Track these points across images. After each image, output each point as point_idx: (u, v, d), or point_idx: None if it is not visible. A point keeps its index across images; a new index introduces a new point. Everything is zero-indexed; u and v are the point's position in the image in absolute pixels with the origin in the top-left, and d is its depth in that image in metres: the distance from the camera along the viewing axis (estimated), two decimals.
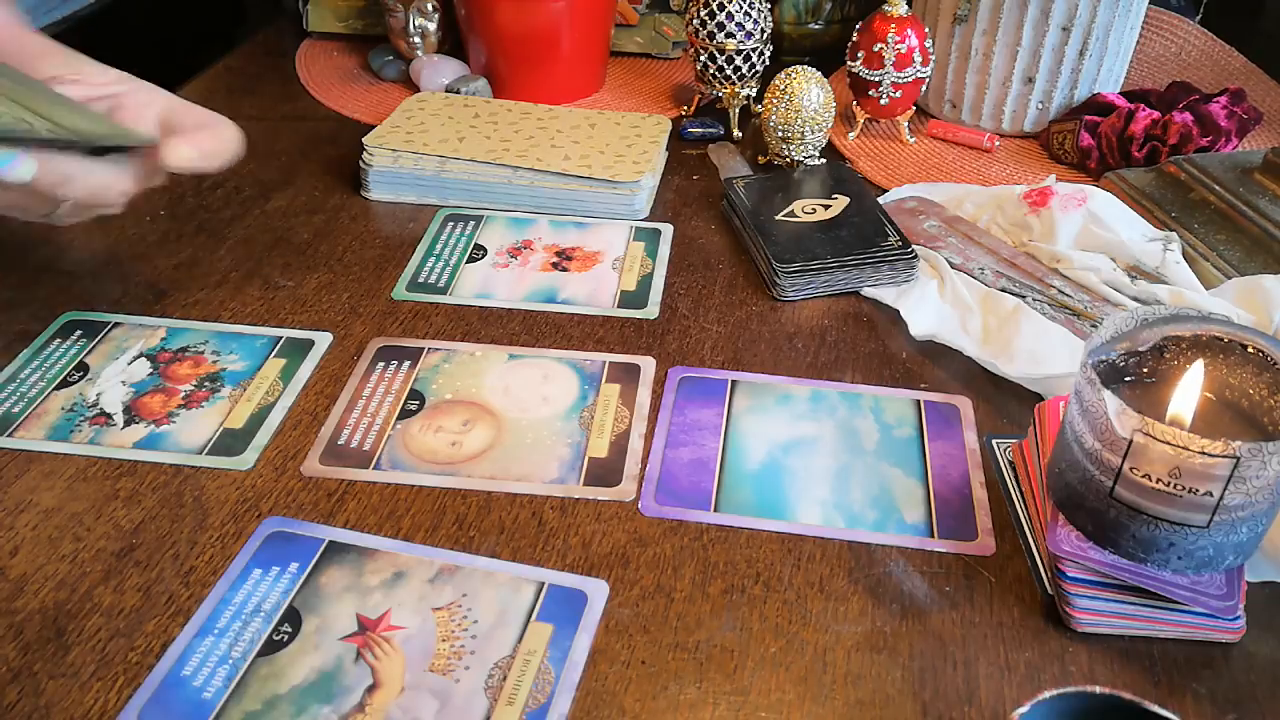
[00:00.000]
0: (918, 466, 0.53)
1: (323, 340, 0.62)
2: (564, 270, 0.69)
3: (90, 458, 0.53)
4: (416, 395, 0.58)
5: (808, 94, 0.75)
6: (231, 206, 0.76)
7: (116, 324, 0.63)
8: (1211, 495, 0.40)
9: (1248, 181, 0.71)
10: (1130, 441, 0.41)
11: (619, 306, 0.65)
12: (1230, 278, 0.64)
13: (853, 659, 0.44)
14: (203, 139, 0.55)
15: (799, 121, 0.76)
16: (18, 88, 0.49)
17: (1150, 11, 0.92)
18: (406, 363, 0.60)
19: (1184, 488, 0.40)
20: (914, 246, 0.66)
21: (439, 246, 0.71)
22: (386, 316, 0.64)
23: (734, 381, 0.59)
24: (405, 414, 0.56)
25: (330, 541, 0.49)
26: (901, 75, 0.80)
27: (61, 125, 0.50)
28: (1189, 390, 0.44)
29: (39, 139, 0.49)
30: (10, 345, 0.61)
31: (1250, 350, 0.45)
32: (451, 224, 0.74)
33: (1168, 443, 0.40)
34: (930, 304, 0.63)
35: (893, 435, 0.55)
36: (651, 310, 0.65)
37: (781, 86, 0.76)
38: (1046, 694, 0.35)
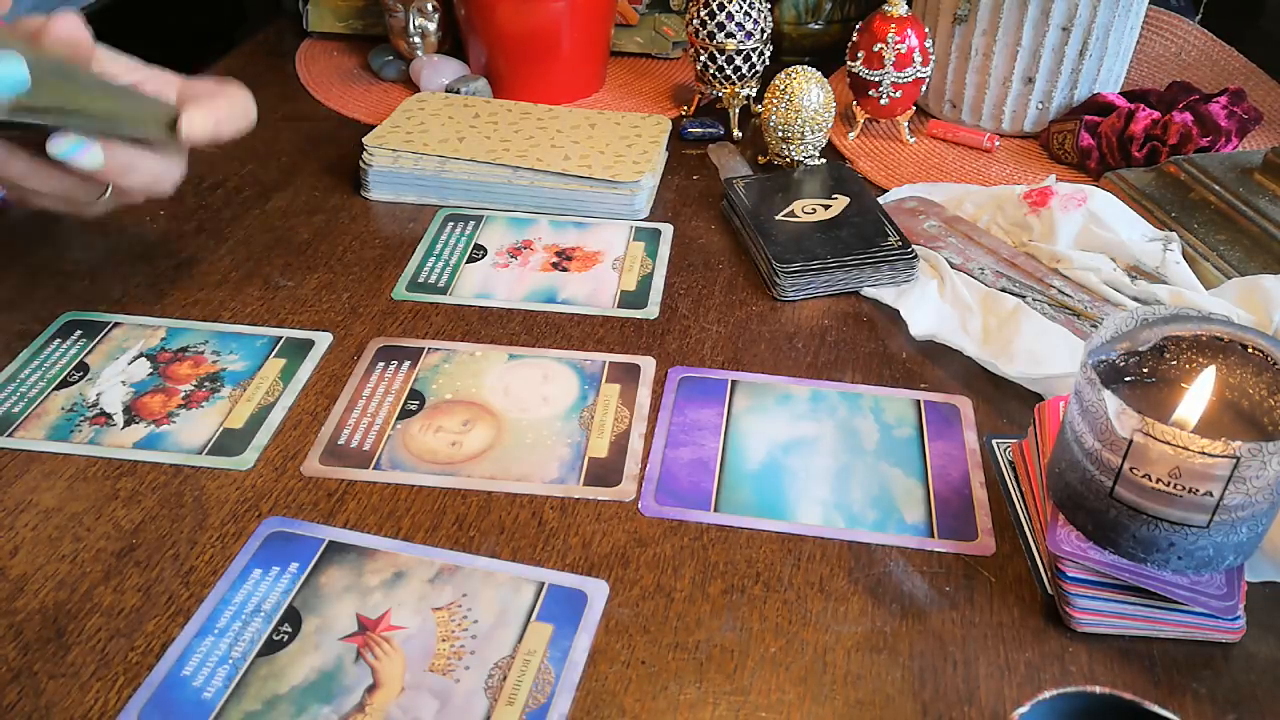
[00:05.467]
0: (918, 466, 0.53)
1: (323, 340, 0.62)
2: (564, 270, 0.69)
3: (90, 458, 0.53)
4: (416, 395, 0.58)
5: (808, 94, 0.75)
6: (231, 206, 0.76)
7: (116, 324, 0.63)
8: (1211, 495, 0.40)
9: (1248, 181, 0.71)
10: (1130, 442, 0.41)
11: (619, 306, 0.65)
12: (1230, 278, 0.64)
13: (853, 659, 0.44)
14: (217, 104, 0.55)
15: (799, 121, 0.76)
16: (66, 83, 0.49)
17: (1150, 11, 0.92)
18: (406, 363, 0.60)
19: (1184, 488, 0.40)
20: (914, 246, 0.66)
21: (439, 246, 0.71)
22: (386, 316, 0.64)
23: (734, 381, 0.59)
24: (405, 414, 0.56)
25: (330, 541, 0.49)
26: (901, 75, 0.80)
27: (117, 116, 0.51)
28: (1198, 397, 0.44)
29: (93, 129, 0.50)
30: (10, 345, 0.61)
31: (1250, 350, 0.45)
32: (451, 224, 0.74)
33: (1168, 443, 0.40)
34: (930, 304, 0.63)
35: (893, 435, 0.55)
36: (651, 310, 0.65)
37: (781, 86, 0.76)
38: (1046, 694, 0.36)
